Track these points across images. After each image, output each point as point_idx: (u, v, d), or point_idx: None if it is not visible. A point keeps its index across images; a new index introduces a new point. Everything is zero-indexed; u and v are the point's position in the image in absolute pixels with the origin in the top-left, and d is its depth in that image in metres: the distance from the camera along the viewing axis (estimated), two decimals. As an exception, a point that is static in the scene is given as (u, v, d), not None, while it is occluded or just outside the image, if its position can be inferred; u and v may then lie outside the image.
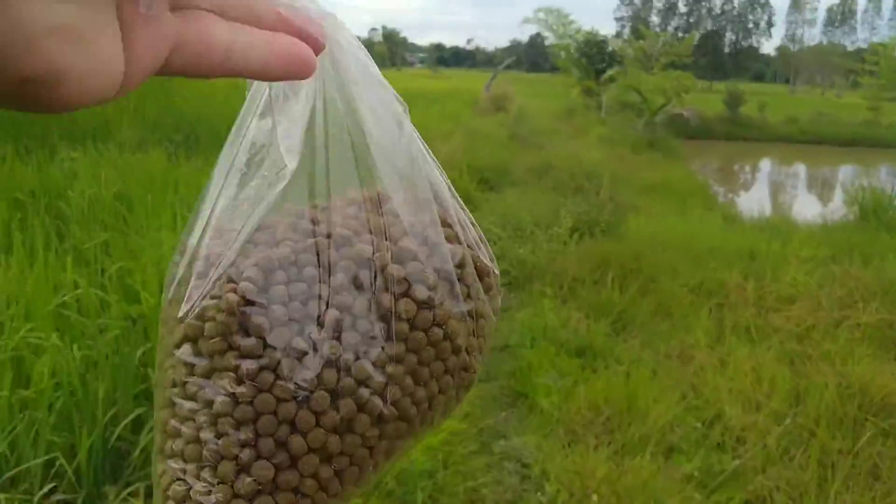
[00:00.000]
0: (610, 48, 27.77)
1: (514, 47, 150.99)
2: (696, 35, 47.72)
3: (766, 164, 24.17)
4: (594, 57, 27.31)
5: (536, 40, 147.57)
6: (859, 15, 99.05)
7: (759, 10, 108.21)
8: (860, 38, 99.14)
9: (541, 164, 13.02)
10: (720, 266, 5.57)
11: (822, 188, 17.08)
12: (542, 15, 28.77)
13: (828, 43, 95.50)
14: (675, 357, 4.04)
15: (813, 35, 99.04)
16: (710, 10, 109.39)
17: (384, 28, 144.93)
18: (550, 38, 29.94)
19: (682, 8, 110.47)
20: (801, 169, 23.34)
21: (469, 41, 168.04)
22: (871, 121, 31.32)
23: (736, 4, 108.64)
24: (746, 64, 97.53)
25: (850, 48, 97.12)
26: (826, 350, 4.02)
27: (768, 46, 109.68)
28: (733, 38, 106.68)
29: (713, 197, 11.74)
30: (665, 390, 3.51)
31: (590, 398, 3.37)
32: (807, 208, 10.88)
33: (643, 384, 3.50)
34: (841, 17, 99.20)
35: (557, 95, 37.96)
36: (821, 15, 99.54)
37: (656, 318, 4.66)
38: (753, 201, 11.79)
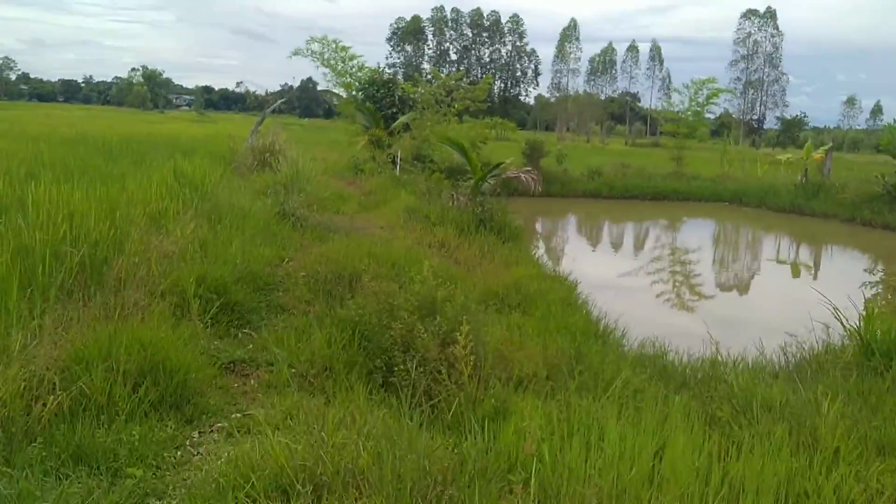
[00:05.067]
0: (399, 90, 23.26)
1: (286, 91, 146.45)
2: (492, 78, 45.11)
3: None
4: (382, 100, 22.86)
5: (308, 84, 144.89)
6: (619, 65, 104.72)
7: (525, 59, 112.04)
8: (619, 86, 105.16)
9: (330, 274, 7.73)
10: None
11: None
12: (315, 46, 23.57)
13: (589, 92, 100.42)
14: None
15: (578, 84, 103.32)
16: (479, 58, 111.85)
17: (145, 69, 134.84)
18: (327, 76, 24.90)
19: (452, 56, 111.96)
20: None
21: (238, 84, 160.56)
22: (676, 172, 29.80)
23: (504, 54, 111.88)
24: (513, 112, 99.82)
25: (613, 95, 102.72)
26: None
27: (533, 95, 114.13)
28: (501, 86, 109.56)
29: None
30: None
31: None
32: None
33: None
34: (602, 67, 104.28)
35: (335, 145, 33.20)
36: (584, 65, 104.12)
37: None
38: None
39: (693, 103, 31.99)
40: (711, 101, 32.37)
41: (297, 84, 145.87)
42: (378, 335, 6.02)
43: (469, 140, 17.86)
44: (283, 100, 43.20)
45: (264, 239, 9.25)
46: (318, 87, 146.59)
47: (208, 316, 6.61)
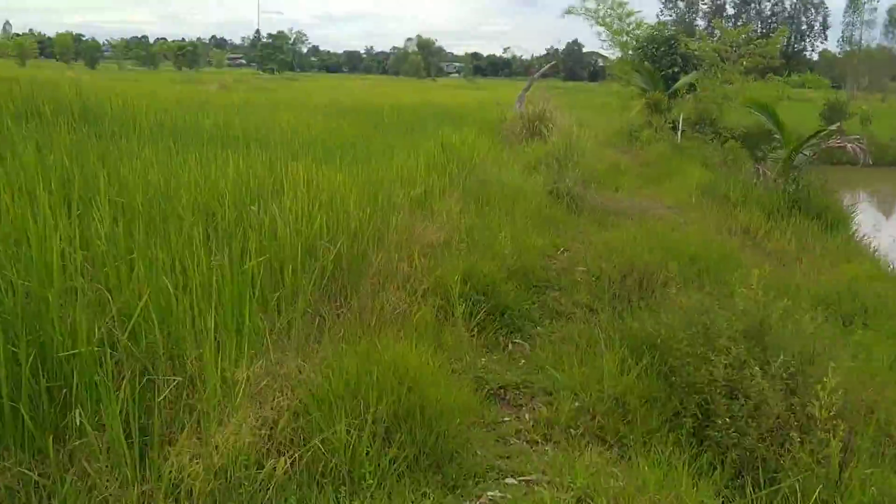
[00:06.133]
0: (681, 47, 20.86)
1: (551, 54, 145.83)
2: (787, 30, 40.33)
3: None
4: (661, 59, 20.71)
5: (573, 47, 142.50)
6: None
7: (812, 11, 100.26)
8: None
9: (615, 272, 6.36)
10: None
11: None
12: (590, 3, 21.85)
13: (886, 46, 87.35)
14: None
15: (873, 37, 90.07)
16: (759, 11, 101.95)
17: (419, 38, 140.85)
18: (601, 36, 23.03)
19: (729, 10, 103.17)
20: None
21: (506, 49, 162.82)
22: None
23: (788, 6, 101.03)
24: (798, 69, 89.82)
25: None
26: None
27: (818, 51, 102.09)
28: (783, 41, 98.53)
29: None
30: None
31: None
32: None
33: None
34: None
35: (604, 109, 31.34)
36: (881, 16, 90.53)
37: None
38: None
39: None
40: None
41: (562, 47, 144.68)
42: (687, 366, 4.59)
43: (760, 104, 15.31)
44: (551, 63, 41.85)
45: (536, 224, 8.09)
46: (584, 49, 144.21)
47: (474, 322, 5.59)
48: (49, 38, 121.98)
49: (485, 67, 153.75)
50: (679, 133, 17.97)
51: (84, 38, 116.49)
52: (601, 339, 5.29)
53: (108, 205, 4.21)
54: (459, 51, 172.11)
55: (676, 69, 20.43)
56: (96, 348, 2.96)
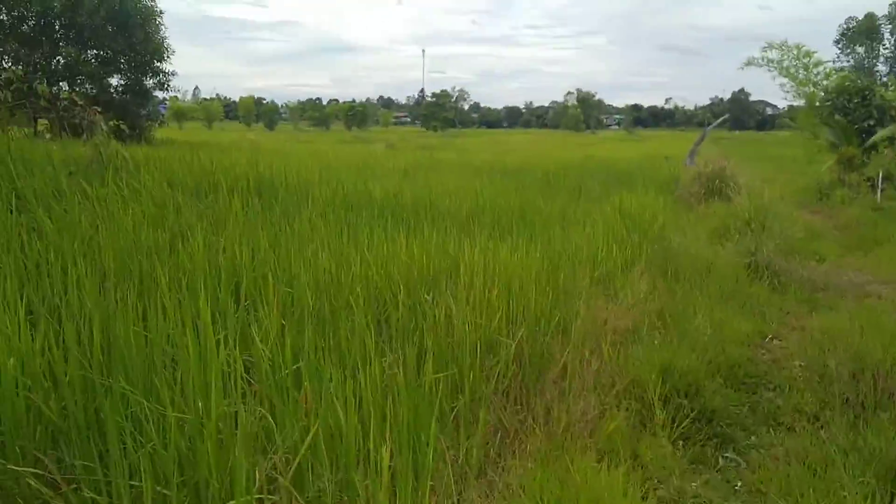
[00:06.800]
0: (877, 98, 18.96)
1: (716, 103, 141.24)
2: None
3: None
4: (855, 111, 18.89)
5: (739, 96, 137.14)
6: None
7: None
8: None
9: (843, 369, 5.26)
10: None
11: None
12: (772, 54, 20.42)
13: None
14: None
15: None
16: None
17: (579, 91, 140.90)
18: (785, 87, 21.40)
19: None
20: None
21: (667, 100, 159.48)
22: None
23: None
24: None
25: None
26: None
27: None
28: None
29: None
30: None
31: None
32: None
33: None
34: None
35: (781, 162, 29.26)
36: None
37: None
38: None
39: None
40: None
41: (727, 96, 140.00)
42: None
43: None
44: (724, 117, 39.89)
45: (736, 304, 7.14)
46: (751, 98, 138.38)
47: (676, 431, 4.77)
48: (233, 102, 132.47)
49: (645, 118, 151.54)
50: (879, 192, 16.15)
51: (264, 101, 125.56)
52: (837, 461, 4.33)
53: (276, 301, 3.84)
54: (618, 102, 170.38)
55: (872, 122, 18.56)
56: (256, 496, 2.49)
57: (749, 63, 20.98)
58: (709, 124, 33.73)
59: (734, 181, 15.26)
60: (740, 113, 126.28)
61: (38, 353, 3.02)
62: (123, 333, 3.12)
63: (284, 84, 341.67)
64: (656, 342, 5.75)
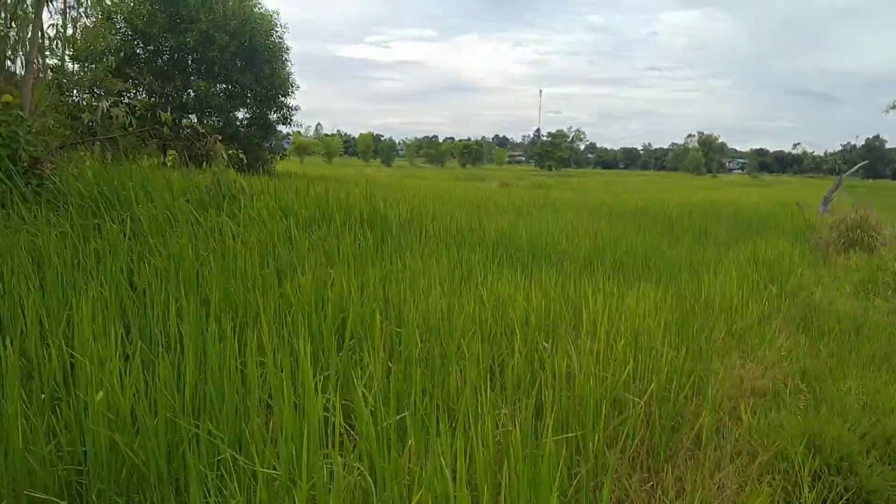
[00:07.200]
0: None
1: (848, 150, 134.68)
2: None
3: None
4: None
5: (874, 143, 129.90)
6: None
7: None
8: None
9: None
10: None
11: None
12: (922, 97, 18.92)
13: None
14: None
15: None
16: None
17: (700, 134, 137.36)
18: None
19: None
20: None
21: (795, 145, 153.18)
22: None
23: None
24: None
25: None
26: None
27: None
28: None
29: None
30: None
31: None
32: None
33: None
34: None
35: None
36: None
37: None
38: None
39: None
40: None
41: (860, 143, 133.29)
42: None
43: None
44: (864, 163, 37.53)
45: (888, 369, 6.32)
46: (887, 146, 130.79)
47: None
48: (353, 138, 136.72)
49: (770, 163, 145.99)
50: None
51: (383, 138, 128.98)
52: None
53: (383, 341, 3.52)
54: (742, 146, 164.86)
55: None
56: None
57: (894, 107, 19.55)
58: (842, 171, 31.58)
59: (878, 231, 14.04)
60: (874, 160, 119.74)
61: (128, 388, 2.80)
62: (217, 371, 2.87)
63: (403, 122, 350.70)
64: (800, 408, 5.08)
